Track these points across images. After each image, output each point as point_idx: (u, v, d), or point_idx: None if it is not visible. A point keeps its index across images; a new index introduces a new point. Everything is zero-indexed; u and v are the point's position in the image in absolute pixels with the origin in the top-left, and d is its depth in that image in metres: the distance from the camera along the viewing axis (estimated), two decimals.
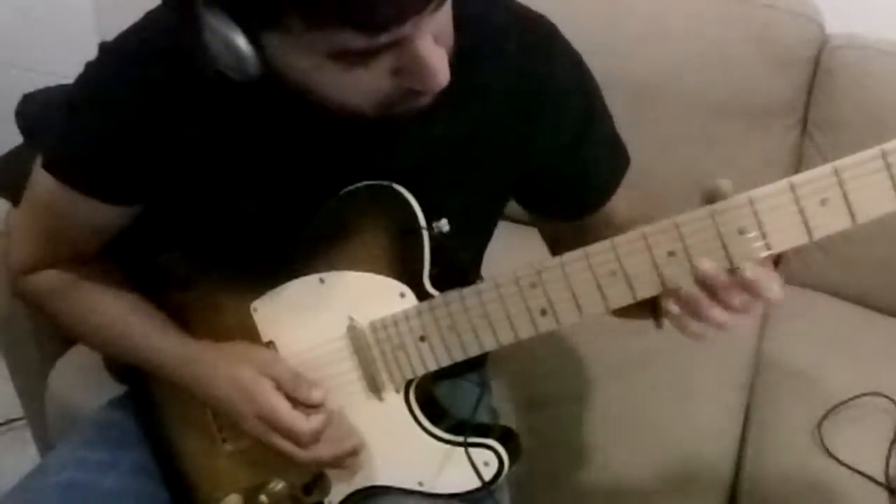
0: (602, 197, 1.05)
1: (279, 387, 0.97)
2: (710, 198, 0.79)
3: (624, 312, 0.90)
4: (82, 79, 0.95)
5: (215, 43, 0.74)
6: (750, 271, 0.78)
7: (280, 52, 0.75)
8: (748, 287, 0.79)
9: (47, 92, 1.46)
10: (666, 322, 0.90)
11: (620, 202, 1.06)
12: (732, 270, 0.79)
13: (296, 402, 0.97)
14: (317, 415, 0.96)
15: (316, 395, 0.97)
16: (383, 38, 0.72)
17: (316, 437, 0.96)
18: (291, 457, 0.97)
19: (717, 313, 0.80)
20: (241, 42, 0.73)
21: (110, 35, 0.94)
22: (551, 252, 1.11)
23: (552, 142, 0.98)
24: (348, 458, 0.99)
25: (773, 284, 0.79)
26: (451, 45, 0.81)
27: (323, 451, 0.97)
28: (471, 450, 0.96)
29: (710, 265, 0.79)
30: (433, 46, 0.76)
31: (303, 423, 0.96)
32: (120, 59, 0.93)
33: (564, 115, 0.98)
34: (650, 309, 0.90)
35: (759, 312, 0.82)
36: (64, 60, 1.02)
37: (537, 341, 0.92)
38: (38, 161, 1.00)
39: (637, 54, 1.71)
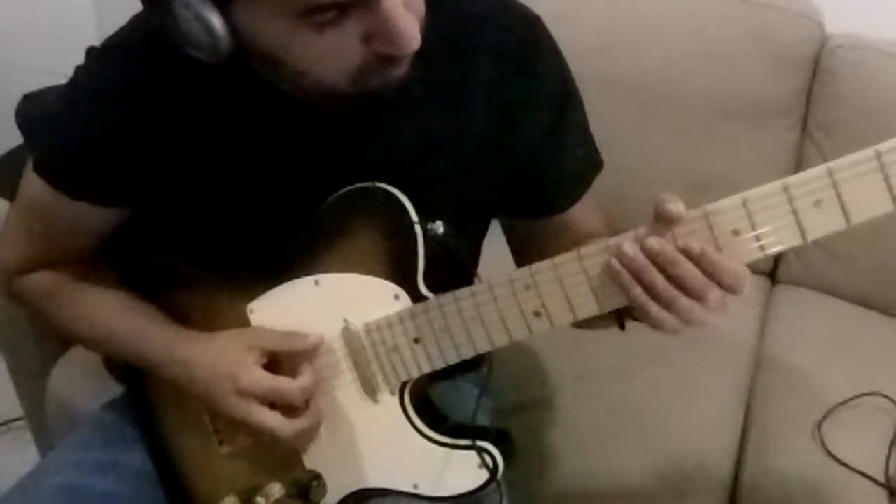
0: (571, 193, 1.04)
1: (273, 353, 0.98)
2: (660, 216, 0.79)
3: (586, 324, 0.90)
4: (69, 83, 0.96)
5: (187, 19, 0.74)
6: (696, 245, 0.77)
7: (250, 18, 0.76)
8: (699, 262, 0.78)
9: (47, 92, 1.45)
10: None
11: (591, 211, 1.06)
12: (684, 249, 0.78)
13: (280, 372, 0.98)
14: (303, 376, 0.96)
15: (311, 340, 0.97)
16: None
17: (306, 394, 0.96)
18: (274, 433, 0.96)
19: (672, 293, 0.79)
20: (212, 15, 0.74)
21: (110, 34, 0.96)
22: (517, 260, 1.11)
23: (532, 130, 0.98)
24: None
25: (729, 268, 0.78)
26: (422, 14, 0.80)
27: (305, 422, 0.97)
28: (465, 452, 0.96)
29: (656, 240, 0.78)
30: (402, 9, 0.76)
31: (290, 383, 0.96)
32: (103, 61, 0.94)
33: (542, 103, 0.98)
34: (614, 315, 0.90)
35: (721, 304, 0.80)
36: (64, 60, 1.02)
37: (537, 341, 0.92)
38: (30, 163, 1.01)
39: (637, 54, 1.71)
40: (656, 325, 0.82)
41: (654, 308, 0.80)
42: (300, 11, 0.73)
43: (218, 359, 0.99)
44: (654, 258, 0.79)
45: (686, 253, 0.78)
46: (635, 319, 0.89)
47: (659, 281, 0.79)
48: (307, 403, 0.97)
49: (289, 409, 0.97)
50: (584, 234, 1.03)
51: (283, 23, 0.75)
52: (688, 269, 0.78)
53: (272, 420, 0.96)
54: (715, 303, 0.79)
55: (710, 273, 0.78)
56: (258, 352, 0.98)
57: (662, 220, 0.79)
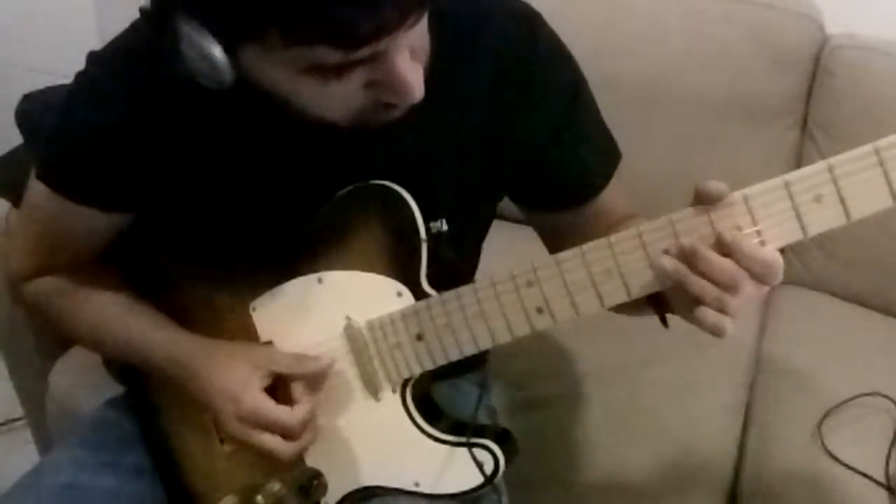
0: (593, 186, 1.03)
1: (281, 373, 0.98)
2: (702, 199, 0.78)
3: (626, 310, 0.89)
4: (70, 89, 0.96)
5: (191, 54, 0.74)
6: (728, 234, 0.76)
7: (256, 65, 0.76)
8: (731, 250, 0.76)
9: (47, 92, 1.45)
10: (671, 321, 0.90)
11: (617, 197, 1.04)
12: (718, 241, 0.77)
13: (280, 398, 0.97)
14: (301, 405, 0.96)
15: (322, 363, 0.97)
16: (359, 54, 0.73)
17: (304, 426, 0.96)
18: (276, 454, 0.96)
19: (706, 287, 0.77)
20: (217, 54, 0.74)
21: (111, 35, 0.95)
22: (549, 250, 1.10)
23: (538, 128, 0.97)
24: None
25: (761, 255, 0.76)
26: (426, 58, 0.82)
27: (305, 442, 0.98)
28: (467, 450, 0.96)
29: (688, 240, 0.77)
30: (408, 61, 0.77)
31: (289, 415, 0.95)
32: (106, 68, 0.94)
33: (549, 100, 0.97)
34: (653, 306, 0.90)
35: (754, 294, 0.78)
36: (64, 60, 1.02)
37: (537, 340, 0.91)
38: (34, 169, 1.00)
39: (637, 54, 1.71)
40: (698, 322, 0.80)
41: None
42: (307, 68, 0.74)
43: (222, 374, 0.99)
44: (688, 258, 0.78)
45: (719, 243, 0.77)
46: (673, 312, 0.88)
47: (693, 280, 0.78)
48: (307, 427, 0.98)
49: (288, 433, 0.97)
50: (613, 221, 1.02)
51: (288, 73, 0.76)
52: (718, 262, 0.77)
53: (270, 443, 0.96)
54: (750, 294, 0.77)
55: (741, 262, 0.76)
56: (264, 372, 0.98)
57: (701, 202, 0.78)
